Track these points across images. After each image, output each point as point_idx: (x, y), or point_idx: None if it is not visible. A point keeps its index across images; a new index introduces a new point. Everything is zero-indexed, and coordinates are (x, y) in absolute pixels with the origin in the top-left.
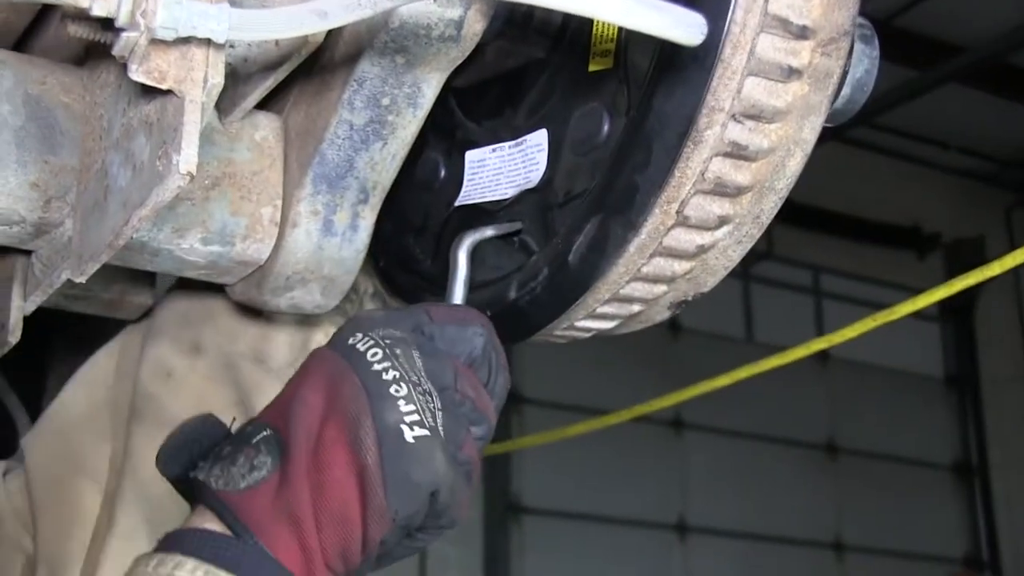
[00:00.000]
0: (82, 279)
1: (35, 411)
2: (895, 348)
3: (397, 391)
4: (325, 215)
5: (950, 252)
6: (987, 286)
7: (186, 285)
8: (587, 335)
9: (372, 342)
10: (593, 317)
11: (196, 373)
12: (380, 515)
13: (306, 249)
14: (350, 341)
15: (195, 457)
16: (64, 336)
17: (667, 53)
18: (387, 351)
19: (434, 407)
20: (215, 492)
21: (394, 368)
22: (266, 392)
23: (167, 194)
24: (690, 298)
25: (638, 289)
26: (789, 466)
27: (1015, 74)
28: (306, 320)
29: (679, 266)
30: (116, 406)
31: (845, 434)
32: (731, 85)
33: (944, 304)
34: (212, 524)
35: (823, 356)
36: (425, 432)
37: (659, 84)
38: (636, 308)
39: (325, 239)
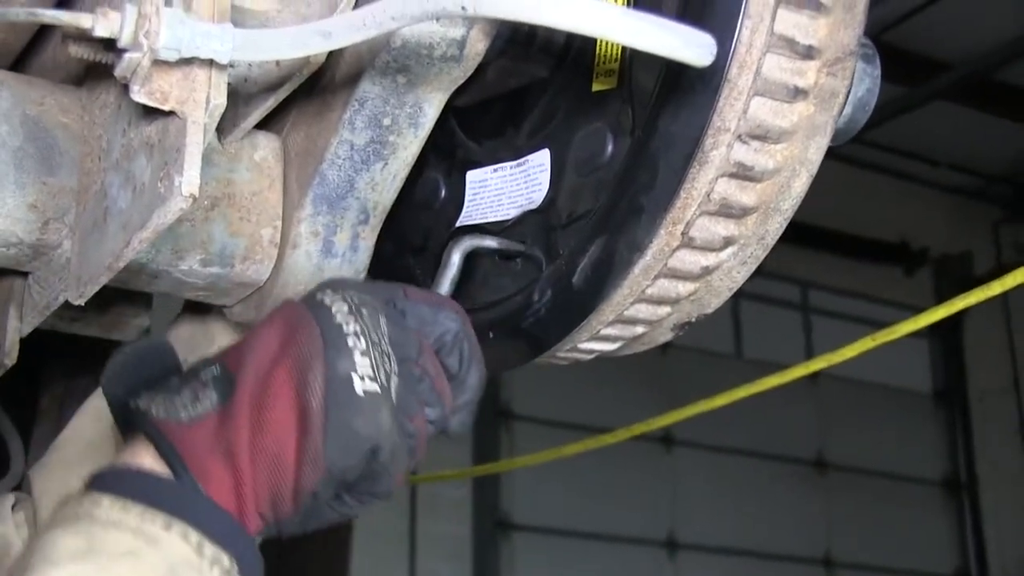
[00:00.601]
0: (81, 302)
1: (27, 433)
2: (884, 364)
3: (354, 344)
4: (325, 236)
5: (938, 268)
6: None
7: (193, 310)
8: (590, 356)
9: (340, 298)
10: (597, 339)
11: None
12: (315, 461)
13: (306, 270)
14: (318, 296)
15: (140, 383)
16: (58, 358)
17: (673, 73)
18: (352, 307)
19: (390, 370)
20: (155, 421)
21: (356, 323)
22: None
23: (169, 216)
24: (694, 319)
25: (642, 311)
26: (779, 482)
27: (1003, 91)
28: None
29: (684, 287)
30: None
31: (834, 450)
32: (737, 105)
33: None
34: (146, 455)
35: (812, 373)
36: (376, 388)
37: (665, 104)
38: (640, 330)
39: (325, 260)
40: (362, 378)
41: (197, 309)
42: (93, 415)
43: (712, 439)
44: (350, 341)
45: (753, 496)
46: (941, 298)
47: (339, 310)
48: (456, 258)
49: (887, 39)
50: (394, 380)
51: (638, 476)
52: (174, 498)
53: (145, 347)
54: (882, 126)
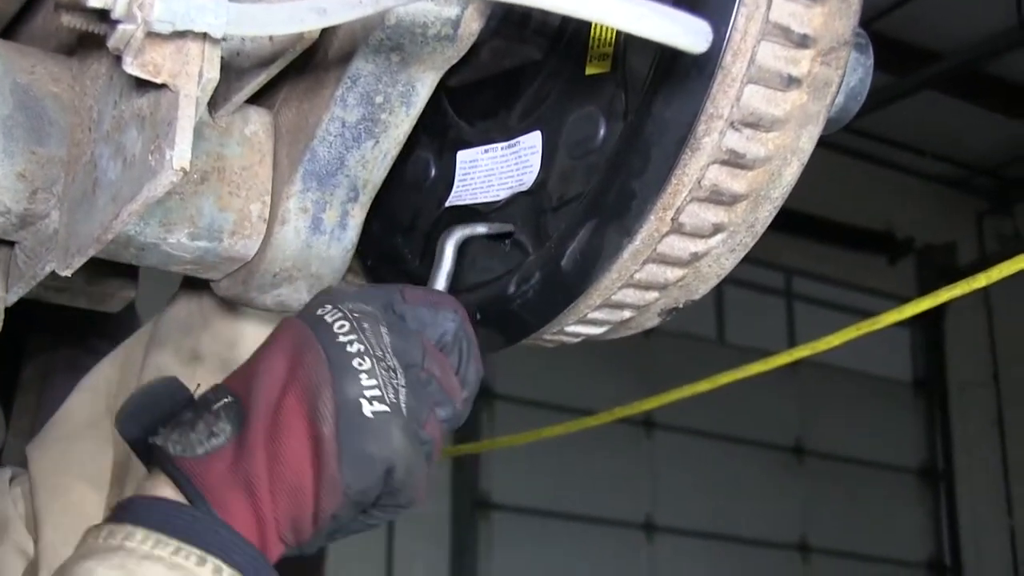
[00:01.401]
0: (68, 272)
1: (9, 404)
2: (865, 352)
3: (360, 364)
4: (314, 212)
5: (921, 257)
6: None
7: (188, 291)
8: (576, 340)
9: (340, 314)
10: (584, 322)
11: (195, 380)
12: (333, 488)
13: (294, 246)
14: (318, 312)
15: (156, 420)
16: (41, 330)
17: (667, 59)
18: (354, 324)
19: (397, 383)
20: (172, 458)
21: (359, 341)
22: None
23: (159, 189)
24: (681, 305)
25: (630, 295)
26: (757, 468)
27: (991, 82)
28: None
29: (672, 273)
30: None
31: (813, 437)
32: (731, 93)
33: None
34: (167, 490)
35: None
36: (384, 408)
37: (658, 90)
38: (627, 314)
39: (313, 237)
40: (371, 400)
41: (192, 290)
42: (91, 393)
43: (692, 423)
44: (355, 362)
45: (731, 481)
46: (924, 288)
47: (341, 328)
48: (450, 250)
49: (878, 27)
50: (403, 393)
51: (618, 458)
52: (206, 533)
53: (158, 386)
54: (870, 114)
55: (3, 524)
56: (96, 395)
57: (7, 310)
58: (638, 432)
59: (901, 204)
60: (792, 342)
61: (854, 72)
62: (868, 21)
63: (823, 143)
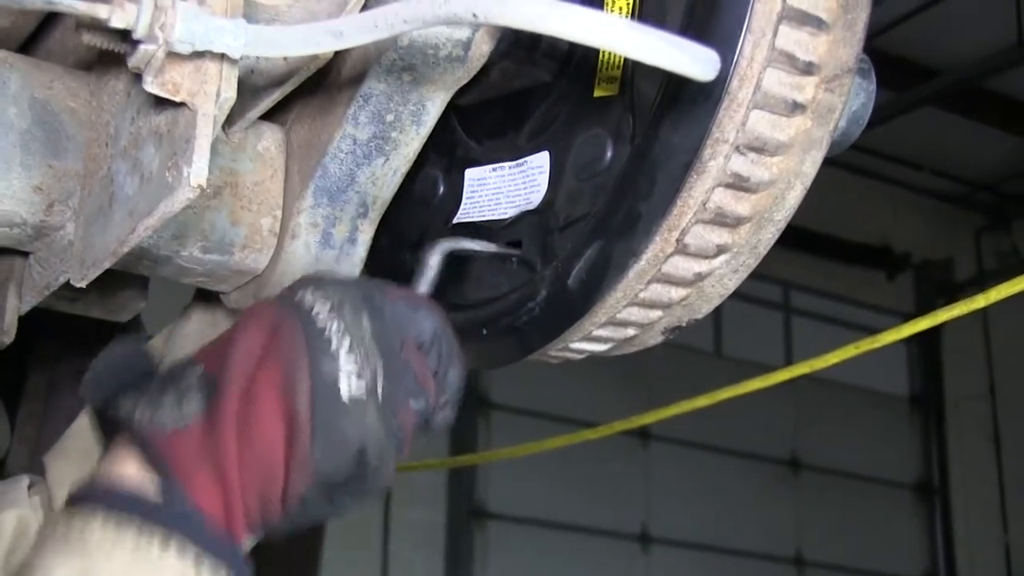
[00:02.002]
0: (83, 284)
1: (14, 411)
2: (861, 367)
3: (338, 345)
4: (324, 228)
5: (919, 273)
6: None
7: (202, 305)
8: (581, 356)
9: (320, 296)
10: (589, 340)
11: None
12: (303, 465)
13: (304, 261)
14: (299, 294)
15: (118, 389)
16: (47, 339)
17: (674, 84)
18: (334, 305)
19: (375, 368)
20: (140, 430)
21: (339, 321)
22: None
23: (176, 205)
24: (684, 324)
25: (635, 314)
26: (753, 480)
27: (989, 99)
28: None
29: (676, 293)
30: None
31: (809, 450)
32: (736, 118)
33: None
34: (132, 463)
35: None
36: (362, 388)
37: (665, 114)
38: (631, 332)
39: (323, 251)
40: (348, 378)
41: (206, 303)
42: None
43: (688, 435)
44: (334, 341)
45: (727, 493)
46: (921, 303)
47: (321, 309)
48: (434, 260)
49: (878, 44)
50: (380, 377)
51: (614, 469)
52: (168, 513)
53: (125, 351)
54: (869, 130)
55: (24, 532)
56: None
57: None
58: (634, 443)
59: (899, 219)
60: (789, 356)
61: (857, 97)
62: (868, 38)
63: (822, 159)
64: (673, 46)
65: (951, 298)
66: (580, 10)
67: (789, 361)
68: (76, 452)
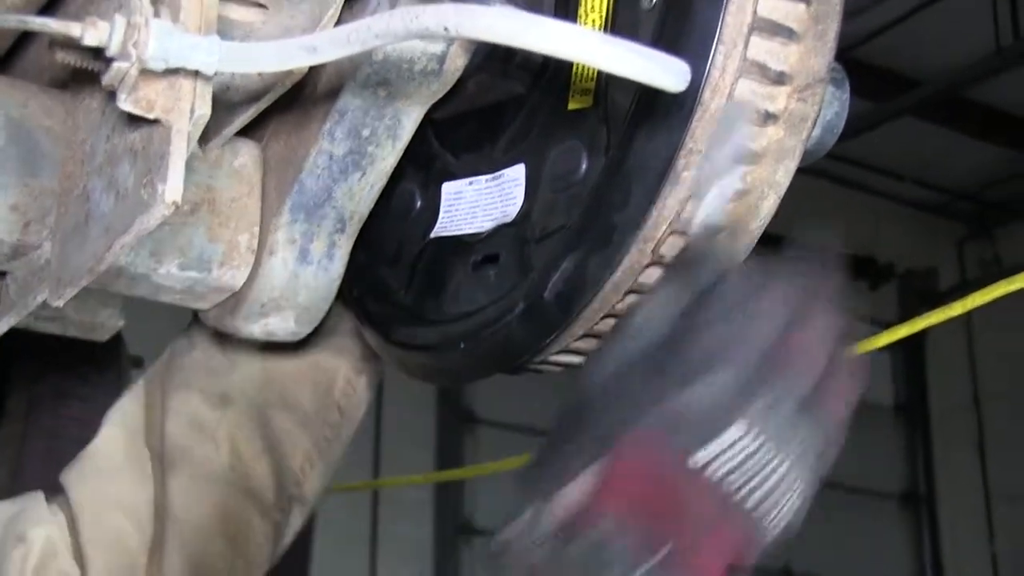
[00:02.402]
0: (60, 303)
1: None
2: None
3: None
4: (302, 243)
5: (903, 282)
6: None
7: (205, 329)
8: (559, 369)
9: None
10: (567, 352)
11: (226, 423)
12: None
13: (282, 277)
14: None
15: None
16: (25, 359)
17: (648, 94)
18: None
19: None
20: None
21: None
22: (296, 440)
23: (151, 222)
24: None
25: (612, 325)
26: None
27: (970, 108)
28: (328, 365)
29: None
30: (152, 452)
31: None
32: (709, 128)
33: None
34: None
35: None
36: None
37: (639, 125)
38: None
39: (301, 267)
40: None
41: (210, 331)
42: (121, 429)
43: None
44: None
45: None
46: (905, 312)
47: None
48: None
49: (858, 54)
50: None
51: None
52: None
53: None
54: (850, 140)
55: (54, 554)
56: (127, 432)
57: None
58: None
59: (882, 229)
60: None
61: (830, 106)
62: (848, 48)
63: (803, 169)
64: (644, 58)
65: (935, 307)
66: (552, 23)
67: None
68: (98, 472)
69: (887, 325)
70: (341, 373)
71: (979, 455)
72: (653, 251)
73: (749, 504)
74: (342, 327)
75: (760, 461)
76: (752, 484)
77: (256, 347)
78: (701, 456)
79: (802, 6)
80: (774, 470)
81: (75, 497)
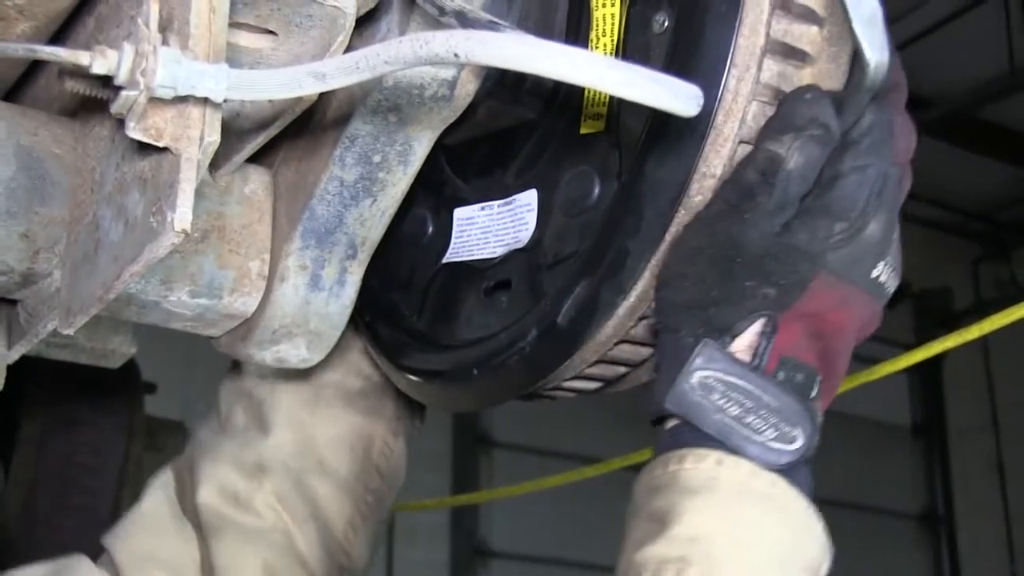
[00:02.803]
0: (70, 331)
1: (7, 458)
2: (864, 397)
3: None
4: (313, 270)
5: (918, 302)
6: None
7: (239, 393)
8: (574, 395)
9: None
10: (581, 378)
11: (264, 492)
12: None
13: (293, 303)
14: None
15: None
16: (39, 386)
17: (659, 119)
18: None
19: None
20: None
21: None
22: (338, 506)
23: (160, 251)
24: None
25: (626, 351)
26: None
27: (984, 128)
28: (364, 429)
29: None
30: (189, 519)
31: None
32: (723, 152)
33: None
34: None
35: None
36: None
37: (651, 149)
38: (623, 370)
39: (312, 294)
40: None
41: (244, 396)
42: (163, 491)
43: None
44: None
45: None
46: (920, 332)
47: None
48: None
49: None
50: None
51: (617, 504)
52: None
53: None
54: None
55: None
56: (169, 497)
57: (7, 366)
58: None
59: None
60: None
61: None
62: None
63: None
64: (654, 83)
65: (950, 327)
66: (560, 49)
67: None
68: (141, 532)
69: (902, 344)
70: (378, 435)
71: (998, 475)
72: None
73: (889, 287)
74: (373, 388)
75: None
76: (895, 268)
77: (288, 414)
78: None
79: (815, 28)
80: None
81: (119, 558)
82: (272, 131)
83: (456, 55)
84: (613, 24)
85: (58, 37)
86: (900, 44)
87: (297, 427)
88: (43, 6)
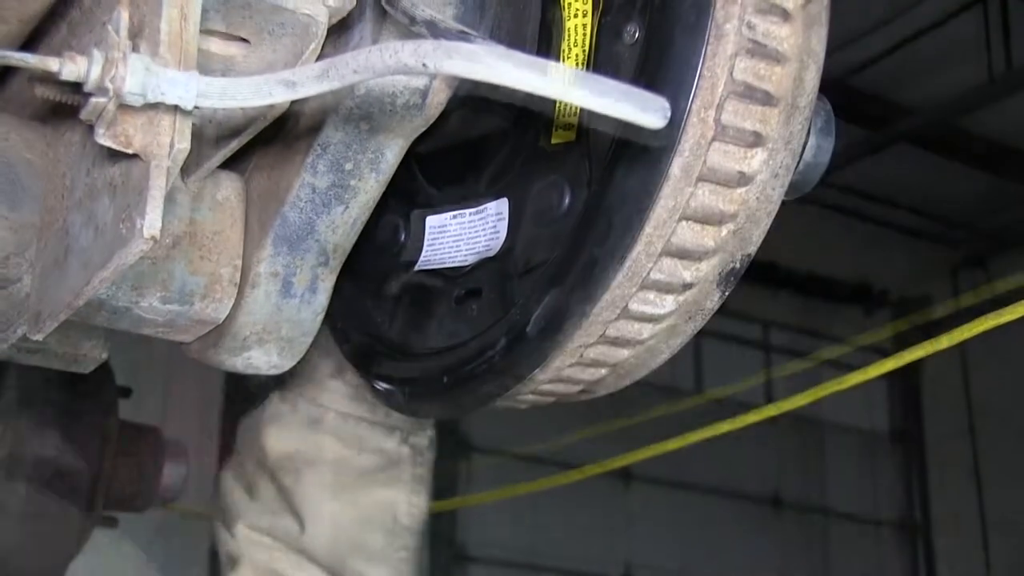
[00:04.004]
0: (39, 337)
1: None
2: (842, 404)
3: None
4: (285, 276)
5: (897, 310)
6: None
7: (288, 409)
8: (548, 400)
9: None
10: (554, 382)
11: None
12: None
13: (264, 310)
14: None
15: None
16: (7, 391)
17: (630, 128)
18: None
19: None
20: None
21: None
22: (375, 572)
23: (129, 257)
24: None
25: (598, 353)
26: (735, 519)
27: (964, 137)
28: (388, 499)
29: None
30: None
31: (791, 488)
32: (692, 161)
33: None
34: None
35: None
36: None
37: (620, 158)
38: (592, 375)
39: (284, 300)
40: None
41: (292, 409)
42: None
43: (670, 475)
44: None
45: (709, 532)
46: (899, 340)
47: None
48: None
49: (853, 83)
50: None
51: (596, 510)
52: None
53: None
54: (845, 168)
55: None
56: None
57: None
58: (615, 483)
59: (876, 257)
60: (770, 392)
61: (817, 144)
62: (843, 77)
63: (800, 197)
64: (623, 95)
65: (929, 335)
66: (528, 61)
67: (770, 399)
68: None
69: (883, 352)
70: (401, 500)
71: (975, 482)
72: (636, 284)
73: None
74: (388, 461)
75: None
76: None
77: (319, 506)
78: None
79: (787, 29)
80: None
81: None
82: (244, 138)
83: (425, 65)
84: (584, 35)
85: (32, 41)
86: (881, 52)
87: (329, 518)
88: (14, 10)
